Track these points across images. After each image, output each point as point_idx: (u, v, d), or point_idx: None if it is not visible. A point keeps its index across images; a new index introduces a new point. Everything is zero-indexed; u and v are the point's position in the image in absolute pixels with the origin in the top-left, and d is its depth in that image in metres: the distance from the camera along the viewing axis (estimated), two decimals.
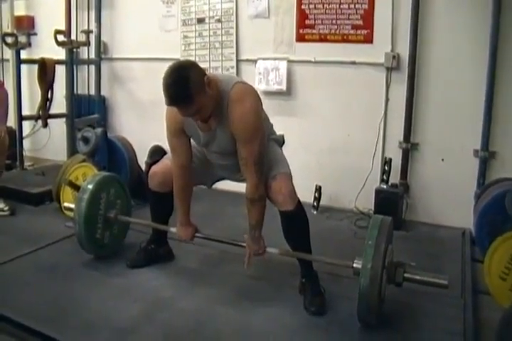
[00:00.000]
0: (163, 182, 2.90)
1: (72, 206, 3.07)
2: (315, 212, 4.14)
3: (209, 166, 2.88)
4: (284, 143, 2.94)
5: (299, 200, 2.64)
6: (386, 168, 3.93)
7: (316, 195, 4.18)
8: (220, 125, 2.50)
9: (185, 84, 2.27)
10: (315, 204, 4.17)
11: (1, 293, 2.69)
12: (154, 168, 2.96)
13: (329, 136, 4.26)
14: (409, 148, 3.98)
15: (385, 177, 3.91)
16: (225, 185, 4.45)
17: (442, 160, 3.91)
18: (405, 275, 2.40)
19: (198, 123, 2.53)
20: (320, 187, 4.17)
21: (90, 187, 3.00)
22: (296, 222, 2.66)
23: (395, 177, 3.97)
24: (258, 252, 2.69)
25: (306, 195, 3.78)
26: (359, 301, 2.30)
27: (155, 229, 3.13)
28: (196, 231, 2.92)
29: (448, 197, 3.91)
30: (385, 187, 3.87)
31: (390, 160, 3.92)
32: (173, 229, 2.95)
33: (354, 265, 2.41)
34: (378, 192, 3.84)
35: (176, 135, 2.65)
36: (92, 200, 2.99)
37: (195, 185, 2.94)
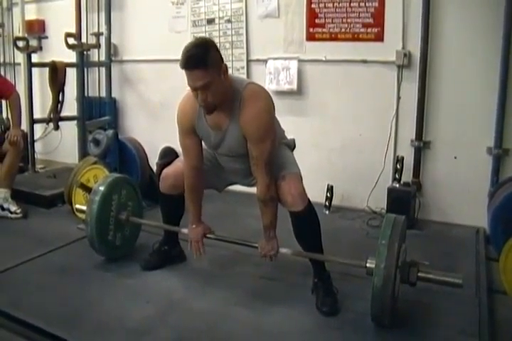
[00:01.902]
0: (174, 185, 2.89)
1: (84, 208, 3.07)
2: (327, 212, 4.12)
3: (220, 170, 2.88)
4: (295, 147, 2.93)
5: (309, 200, 2.62)
6: (398, 166, 3.90)
7: (328, 194, 4.16)
8: (231, 124, 2.49)
9: (204, 50, 2.30)
10: (327, 203, 4.15)
11: (14, 295, 2.70)
12: (166, 171, 2.96)
13: (340, 135, 4.24)
14: (422, 146, 3.95)
15: (397, 175, 3.88)
16: (237, 186, 4.46)
17: (455, 158, 3.87)
18: (419, 274, 2.37)
19: (208, 119, 2.53)
20: (332, 187, 4.15)
21: (102, 188, 3.00)
22: (307, 223, 2.65)
23: (407, 176, 3.94)
24: (271, 253, 2.66)
25: (317, 195, 3.79)
26: (372, 301, 2.28)
27: (166, 230, 3.13)
28: (208, 231, 2.90)
29: (461, 195, 3.87)
30: (397, 186, 3.84)
31: (402, 158, 3.90)
32: (184, 230, 2.94)
33: (367, 265, 2.39)
34: (390, 191, 3.82)
35: (187, 135, 2.64)
36: (104, 202, 2.99)
37: (206, 189, 2.93)
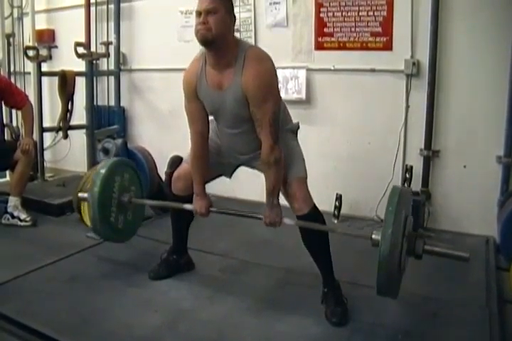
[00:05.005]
0: (186, 186, 2.90)
1: (86, 195, 3.03)
2: (335, 221, 4.10)
3: (225, 155, 2.86)
4: (298, 128, 2.87)
5: (314, 205, 2.64)
6: (407, 175, 3.88)
7: (337, 203, 4.15)
8: (232, 84, 2.46)
9: None
10: (335, 213, 4.14)
11: (23, 303, 2.70)
12: (177, 172, 2.96)
13: (349, 144, 4.24)
14: (431, 155, 3.93)
15: (406, 185, 3.86)
16: (243, 194, 4.45)
17: (464, 167, 3.86)
18: (425, 247, 2.31)
19: (209, 79, 2.53)
20: (340, 196, 4.14)
21: (103, 171, 2.97)
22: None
23: (416, 185, 3.92)
24: (275, 220, 2.62)
25: (326, 204, 3.78)
26: (378, 270, 2.19)
27: (175, 239, 3.12)
28: (210, 205, 2.85)
29: (471, 204, 3.85)
30: None
31: (411, 167, 3.88)
32: (187, 206, 2.89)
33: (373, 236, 2.34)
34: None
35: (191, 99, 2.63)
36: (106, 182, 2.95)
37: (215, 178, 2.94)
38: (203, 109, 2.65)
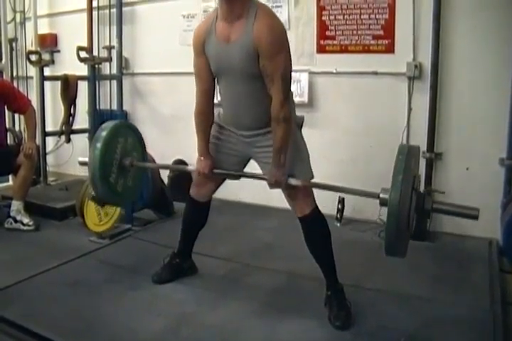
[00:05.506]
0: (206, 192, 2.92)
1: (87, 160, 2.95)
2: (338, 224, 4.10)
3: (231, 140, 2.79)
4: (303, 122, 2.83)
5: (316, 205, 2.66)
6: (339, 206, 3.96)
7: (339, 206, 4.14)
8: (243, 36, 2.43)
9: None
10: (338, 216, 4.13)
11: (27, 307, 2.70)
12: (201, 180, 2.90)
13: (352, 147, 4.24)
14: (433, 157, 3.93)
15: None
16: (248, 197, 4.45)
17: (467, 169, 3.86)
18: (434, 206, 2.27)
19: (218, 32, 2.51)
20: (343, 199, 4.13)
21: (108, 129, 2.92)
22: (315, 225, 2.67)
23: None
24: (281, 179, 2.54)
25: (329, 207, 3.78)
26: (387, 228, 2.13)
27: (182, 242, 3.10)
28: (214, 167, 2.79)
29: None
30: None
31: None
32: (190, 167, 2.87)
33: (381, 195, 2.31)
34: None
35: (199, 54, 2.61)
36: (110, 140, 2.89)
37: (224, 180, 2.93)
38: (209, 65, 2.62)
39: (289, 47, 2.49)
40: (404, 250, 2.26)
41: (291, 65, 2.50)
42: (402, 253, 2.27)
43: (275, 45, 2.39)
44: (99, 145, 2.84)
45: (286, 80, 2.47)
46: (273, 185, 2.58)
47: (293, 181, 2.56)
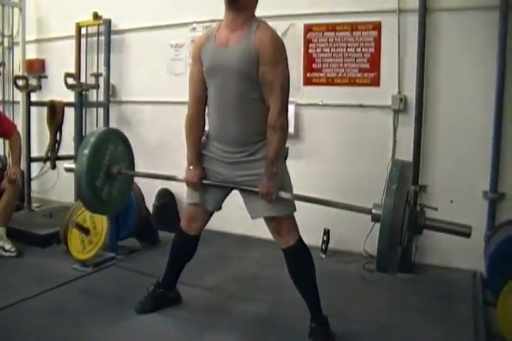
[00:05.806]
0: (198, 227, 2.90)
1: (73, 166, 2.92)
2: (323, 256, 4.09)
3: (217, 162, 2.74)
4: (287, 154, 2.79)
5: (300, 236, 2.68)
6: (324, 238, 3.99)
7: (325, 238, 4.14)
8: (241, 42, 2.49)
9: None
10: (323, 247, 4.13)
11: (6, 336, 2.65)
12: (194, 213, 2.88)
13: (337, 179, 4.25)
14: (418, 190, 3.95)
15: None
16: (233, 227, 4.43)
17: (451, 201, 3.88)
18: (427, 222, 2.27)
19: (217, 38, 2.58)
20: (328, 231, 4.14)
21: (99, 132, 2.95)
22: (299, 257, 2.69)
23: None
24: (272, 190, 2.51)
25: (314, 239, 3.78)
26: (379, 243, 2.11)
27: (168, 273, 3.07)
28: (203, 177, 2.75)
29: (458, 239, 3.77)
30: None
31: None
32: (179, 177, 2.82)
33: (373, 211, 2.32)
34: None
35: (195, 61, 2.68)
36: (99, 144, 2.87)
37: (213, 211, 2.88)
38: (202, 73, 2.66)
39: (287, 61, 2.54)
40: (396, 267, 2.25)
41: (289, 78, 2.55)
42: (393, 269, 2.27)
43: (277, 54, 2.47)
44: (86, 151, 2.82)
45: (285, 89, 2.52)
46: (264, 195, 2.54)
47: (283, 194, 2.55)
